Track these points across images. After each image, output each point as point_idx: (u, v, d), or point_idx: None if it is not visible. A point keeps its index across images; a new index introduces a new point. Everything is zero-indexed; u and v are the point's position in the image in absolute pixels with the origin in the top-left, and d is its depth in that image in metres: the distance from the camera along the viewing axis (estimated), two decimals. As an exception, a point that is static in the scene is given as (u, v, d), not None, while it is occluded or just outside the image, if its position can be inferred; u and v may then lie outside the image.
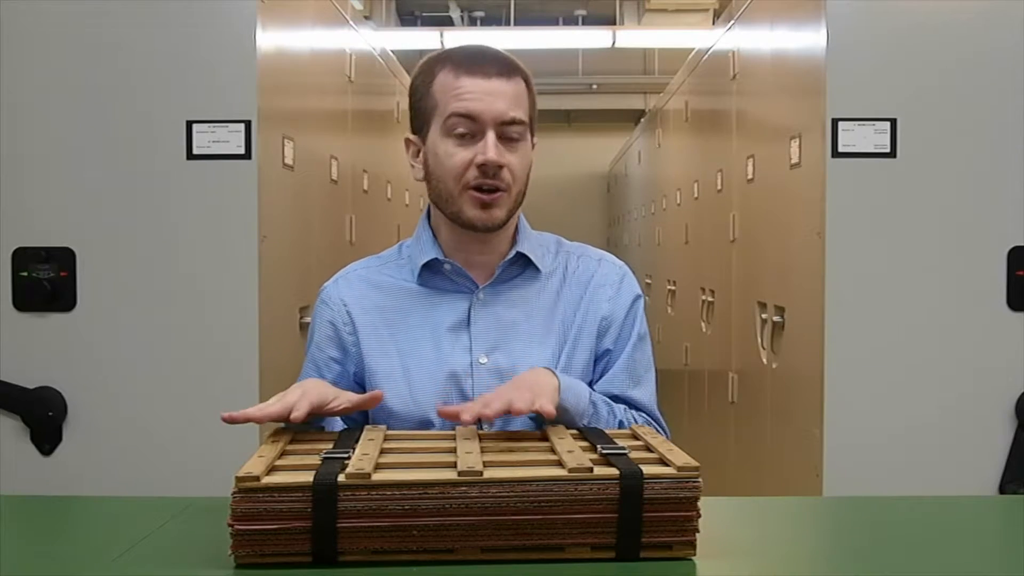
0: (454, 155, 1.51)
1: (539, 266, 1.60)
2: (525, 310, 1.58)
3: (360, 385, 1.58)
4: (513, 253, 1.58)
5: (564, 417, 1.43)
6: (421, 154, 1.58)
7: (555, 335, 1.57)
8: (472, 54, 1.55)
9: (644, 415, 1.61)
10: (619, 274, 1.65)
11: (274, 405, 1.33)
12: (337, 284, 1.63)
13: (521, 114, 1.53)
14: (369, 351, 1.56)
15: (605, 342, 1.60)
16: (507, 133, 1.52)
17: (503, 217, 1.54)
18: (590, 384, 1.58)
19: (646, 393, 1.62)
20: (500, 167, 1.50)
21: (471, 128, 1.51)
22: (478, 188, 1.51)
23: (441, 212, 1.58)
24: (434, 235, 1.60)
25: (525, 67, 1.59)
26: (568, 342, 1.57)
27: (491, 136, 1.50)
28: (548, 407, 1.32)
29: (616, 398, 1.58)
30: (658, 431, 1.60)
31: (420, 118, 1.57)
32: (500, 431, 1.47)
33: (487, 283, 1.58)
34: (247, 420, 1.31)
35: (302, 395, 1.35)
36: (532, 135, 1.59)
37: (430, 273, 1.59)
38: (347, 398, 1.39)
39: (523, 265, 1.60)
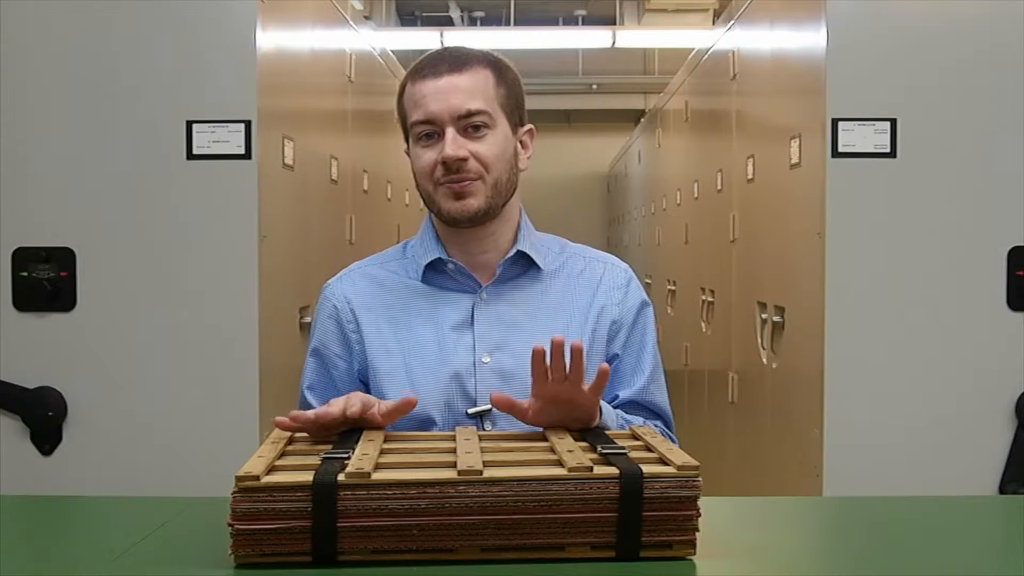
0: (422, 157, 1.55)
1: (541, 265, 1.61)
2: (528, 309, 1.58)
3: (364, 383, 1.58)
4: (514, 251, 1.59)
5: None
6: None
7: (559, 335, 1.57)
8: (426, 59, 1.58)
9: (661, 423, 1.62)
10: (625, 278, 1.65)
11: (330, 409, 1.31)
12: (341, 281, 1.64)
13: (479, 104, 1.53)
14: (372, 348, 1.57)
15: (614, 346, 1.61)
16: (471, 125, 1.53)
17: (479, 205, 1.54)
18: None
19: (664, 397, 1.64)
20: (463, 160, 1.52)
21: (433, 130, 1.53)
22: (449, 182, 1.53)
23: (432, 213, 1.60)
24: (437, 235, 1.61)
25: (494, 56, 1.59)
26: (584, 344, 1.57)
27: (449, 132, 1.52)
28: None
29: (637, 404, 1.60)
30: (669, 435, 1.61)
31: (403, 131, 1.61)
32: (500, 432, 1.47)
33: (490, 282, 1.59)
34: (304, 423, 1.30)
35: (350, 396, 1.34)
36: (515, 122, 1.59)
37: (433, 272, 1.60)
38: (385, 406, 1.35)
39: (525, 264, 1.61)
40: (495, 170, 1.54)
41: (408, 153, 1.61)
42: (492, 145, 1.54)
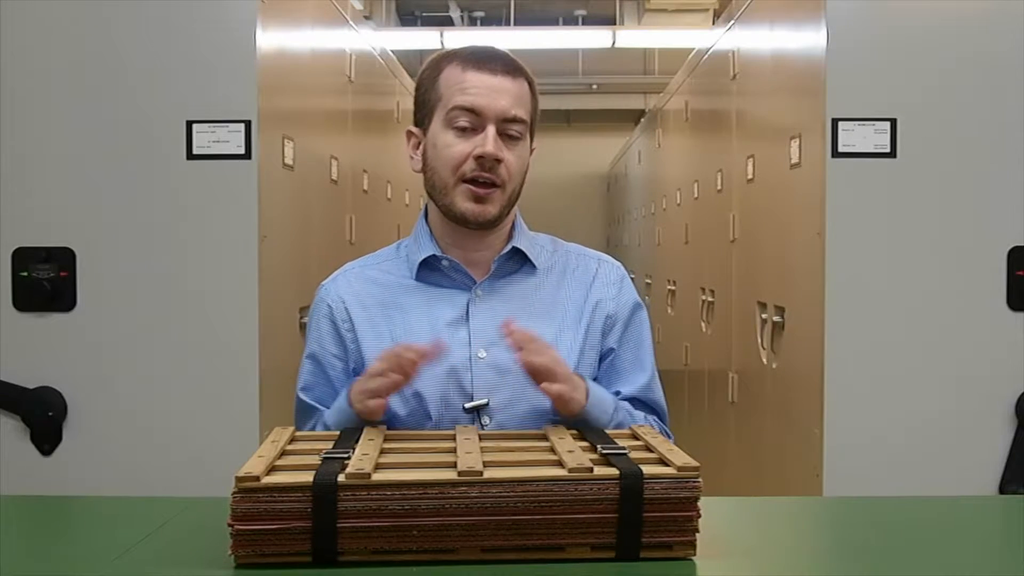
0: (453, 146, 1.54)
1: (535, 262, 1.62)
2: (523, 305, 1.59)
3: None
4: (509, 247, 1.60)
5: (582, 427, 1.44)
6: (421, 146, 1.60)
7: (553, 331, 1.58)
8: (480, 52, 1.59)
9: (656, 416, 1.64)
10: (619, 274, 1.67)
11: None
12: (336, 281, 1.64)
13: (523, 113, 1.56)
14: (368, 346, 1.57)
15: (609, 341, 1.62)
16: (507, 131, 1.54)
17: (495, 213, 1.56)
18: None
19: (662, 393, 1.66)
20: (498, 161, 1.53)
21: (473, 122, 1.53)
22: (473, 181, 1.54)
23: (435, 204, 1.60)
24: (431, 233, 1.62)
25: (530, 71, 1.62)
26: (577, 340, 1.59)
27: (491, 130, 1.53)
28: (559, 394, 1.42)
29: (639, 401, 1.61)
30: (664, 428, 1.62)
31: (423, 110, 1.60)
32: (500, 431, 1.47)
33: (485, 278, 1.60)
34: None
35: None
36: (532, 138, 1.62)
37: (428, 270, 1.61)
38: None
39: (520, 261, 1.62)
40: (514, 181, 1.57)
41: (415, 132, 1.61)
42: (519, 157, 1.57)
